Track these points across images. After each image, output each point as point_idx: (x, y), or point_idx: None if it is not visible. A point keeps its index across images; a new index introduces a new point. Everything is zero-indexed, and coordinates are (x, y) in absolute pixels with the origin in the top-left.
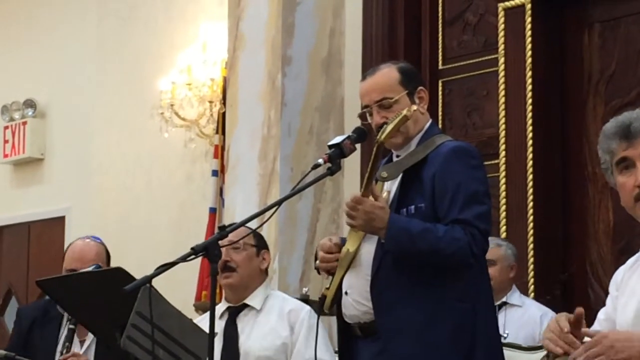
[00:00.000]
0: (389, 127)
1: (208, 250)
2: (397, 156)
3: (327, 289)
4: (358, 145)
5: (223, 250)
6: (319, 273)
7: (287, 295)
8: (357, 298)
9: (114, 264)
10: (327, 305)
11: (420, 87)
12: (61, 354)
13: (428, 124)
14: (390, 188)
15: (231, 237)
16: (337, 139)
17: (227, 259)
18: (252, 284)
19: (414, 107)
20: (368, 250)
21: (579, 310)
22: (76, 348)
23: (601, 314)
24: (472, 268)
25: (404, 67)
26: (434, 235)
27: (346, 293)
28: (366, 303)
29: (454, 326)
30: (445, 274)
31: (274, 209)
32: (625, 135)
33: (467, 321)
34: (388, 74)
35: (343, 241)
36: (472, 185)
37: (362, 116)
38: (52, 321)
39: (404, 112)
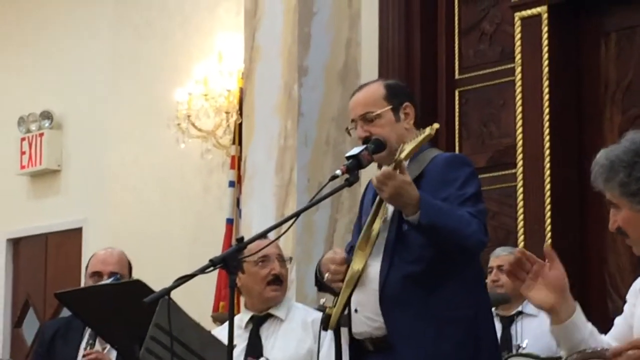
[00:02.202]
0: (410, 147)
1: (226, 262)
2: None
3: (331, 307)
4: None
5: (275, 263)
6: (319, 290)
7: (307, 306)
8: (368, 314)
9: None
10: (332, 324)
11: (407, 103)
12: (85, 349)
13: None
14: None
15: (277, 249)
16: (355, 150)
17: (279, 273)
18: None
19: (437, 125)
20: (375, 267)
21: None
22: None
23: (619, 321)
24: (476, 256)
25: (391, 84)
26: (457, 214)
27: (356, 311)
28: (378, 318)
29: (460, 335)
30: (449, 282)
31: (291, 220)
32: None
33: (471, 329)
34: (373, 89)
35: (347, 258)
36: (470, 188)
37: (347, 130)
38: (75, 330)
39: (428, 130)
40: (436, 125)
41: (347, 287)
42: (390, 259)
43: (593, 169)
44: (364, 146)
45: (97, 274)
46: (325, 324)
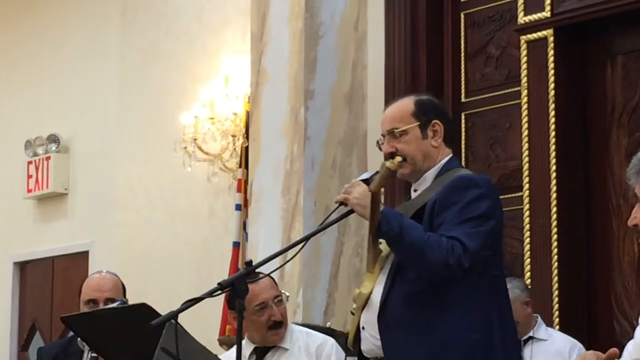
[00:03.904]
0: (377, 180)
1: (234, 286)
2: (415, 190)
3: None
4: None
5: (273, 308)
6: None
7: (308, 329)
8: (372, 333)
9: (136, 298)
10: (350, 342)
11: (435, 121)
12: None
13: (446, 158)
14: None
15: (273, 290)
16: (365, 175)
17: (279, 318)
18: None
19: (398, 159)
20: (381, 285)
21: (613, 350)
22: None
23: (630, 346)
24: (451, 280)
25: (422, 100)
26: (421, 235)
27: (363, 328)
28: (379, 337)
29: (463, 358)
30: (453, 303)
31: (299, 246)
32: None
33: (478, 354)
34: (403, 105)
35: None
36: (472, 211)
37: (378, 144)
38: (73, 355)
39: (387, 164)
40: (398, 159)
41: (357, 309)
42: (393, 278)
43: (632, 162)
44: (374, 171)
45: (93, 302)
46: (346, 342)
